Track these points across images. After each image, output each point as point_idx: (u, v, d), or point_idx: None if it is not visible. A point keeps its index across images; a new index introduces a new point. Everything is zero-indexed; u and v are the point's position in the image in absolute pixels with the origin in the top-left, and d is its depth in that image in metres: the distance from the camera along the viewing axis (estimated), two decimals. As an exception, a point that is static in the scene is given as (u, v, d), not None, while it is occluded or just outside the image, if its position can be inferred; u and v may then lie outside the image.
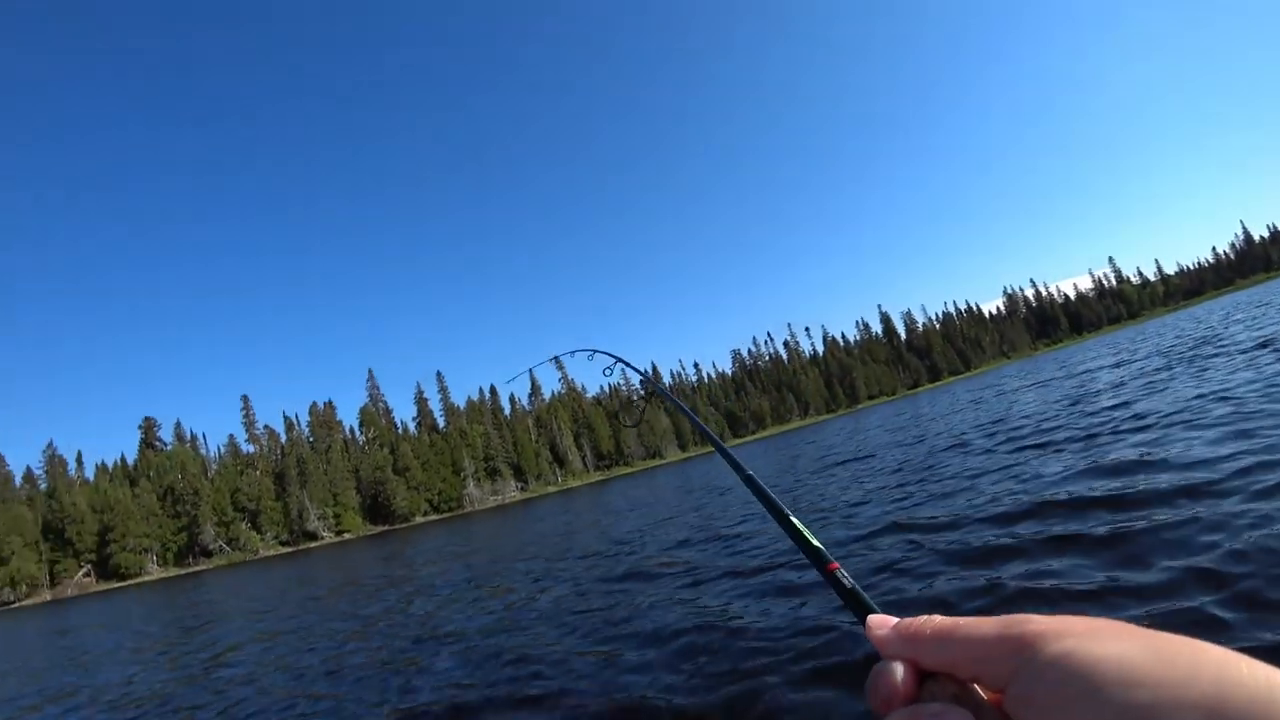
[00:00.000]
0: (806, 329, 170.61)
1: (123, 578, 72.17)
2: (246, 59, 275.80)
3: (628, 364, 1.46)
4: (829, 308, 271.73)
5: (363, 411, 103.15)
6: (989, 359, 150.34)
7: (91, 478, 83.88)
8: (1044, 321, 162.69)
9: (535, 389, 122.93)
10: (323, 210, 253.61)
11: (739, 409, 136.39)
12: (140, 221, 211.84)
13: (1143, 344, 30.52)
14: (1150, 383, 13.23)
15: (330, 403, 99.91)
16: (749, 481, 0.85)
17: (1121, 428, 8.90)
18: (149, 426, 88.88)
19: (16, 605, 65.29)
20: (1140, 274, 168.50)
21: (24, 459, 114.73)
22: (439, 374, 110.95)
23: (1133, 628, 0.38)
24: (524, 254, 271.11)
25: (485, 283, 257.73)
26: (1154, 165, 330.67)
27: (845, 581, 0.57)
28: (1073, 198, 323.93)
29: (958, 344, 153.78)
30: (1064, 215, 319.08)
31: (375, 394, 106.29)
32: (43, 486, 78.58)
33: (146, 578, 72.59)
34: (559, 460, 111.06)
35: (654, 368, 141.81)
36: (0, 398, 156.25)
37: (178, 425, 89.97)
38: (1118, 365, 21.10)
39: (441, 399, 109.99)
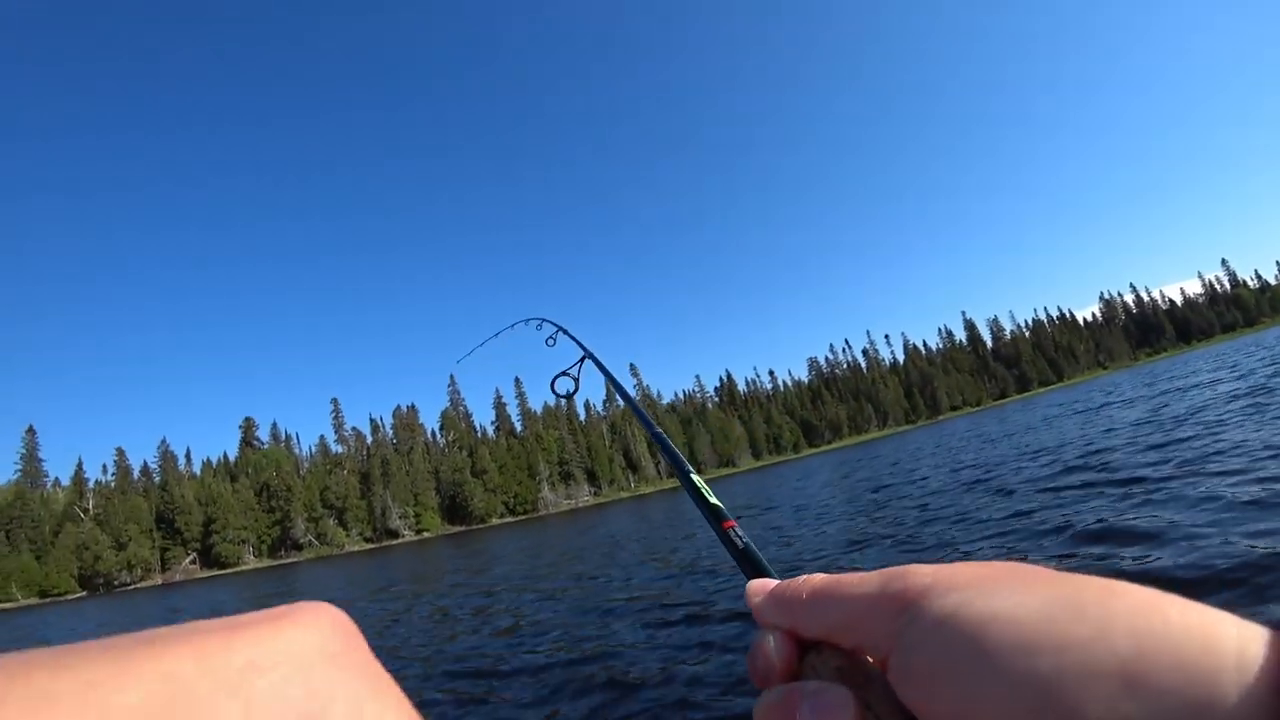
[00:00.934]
0: (886, 336, 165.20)
1: (223, 566, 77.23)
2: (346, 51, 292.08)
3: (567, 332, 1.47)
4: (910, 314, 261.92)
5: (443, 415, 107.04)
6: (1083, 369, 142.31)
7: (199, 473, 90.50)
8: (1146, 329, 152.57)
9: (609, 395, 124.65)
10: (408, 219, 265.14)
11: (815, 418, 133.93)
12: (245, 231, 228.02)
13: (1258, 355, 28.32)
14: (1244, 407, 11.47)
15: (413, 406, 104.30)
16: (658, 439, 0.85)
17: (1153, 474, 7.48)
18: (248, 426, 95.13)
19: (133, 587, 70.83)
20: (1259, 277, 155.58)
21: (141, 454, 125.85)
22: (517, 380, 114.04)
23: (1036, 571, 0.30)
24: (608, 262, 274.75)
25: (570, 290, 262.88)
26: (1276, 156, 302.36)
27: (738, 541, 0.54)
28: (1180, 194, 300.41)
29: (1049, 353, 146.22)
30: (1170, 214, 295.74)
31: (456, 398, 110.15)
32: (157, 480, 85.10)
33: (244, 566, 77.31)
34: (632, 466, 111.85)
35: (624, 373, 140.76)
36: (125, 399, 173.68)
37: (274, 425, 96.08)
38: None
39: (519, 404, 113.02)
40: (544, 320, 1.77)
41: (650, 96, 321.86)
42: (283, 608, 0.24)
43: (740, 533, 0.55)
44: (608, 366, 1.27)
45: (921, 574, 0.32)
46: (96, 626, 21.16)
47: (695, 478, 0.66)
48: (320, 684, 0.22)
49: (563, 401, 1.33)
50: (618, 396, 1.08)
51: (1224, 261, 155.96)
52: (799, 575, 0.40)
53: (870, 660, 0.34)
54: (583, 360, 1.32)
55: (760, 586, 0.42)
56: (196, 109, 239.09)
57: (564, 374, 1.35)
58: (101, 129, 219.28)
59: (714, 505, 0.59)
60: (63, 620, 28.19)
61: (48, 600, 67.27)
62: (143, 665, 0.19)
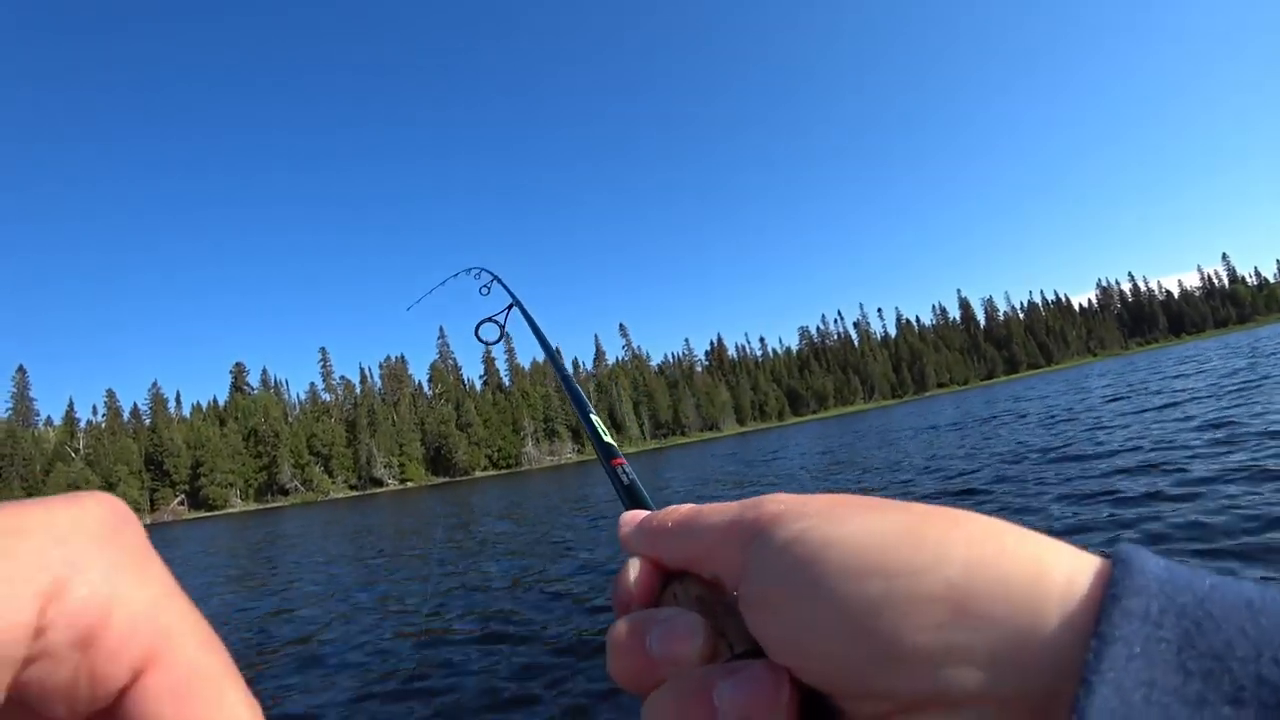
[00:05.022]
0: (879, 309, 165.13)
1: (211, 508, 79.81)
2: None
3: (500, 281, 1.54)
4: (904, 289, 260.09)
5: (432, 368, 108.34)
6: (1073, 355, 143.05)
7: (188, 416, 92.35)
8: (1139, 319, 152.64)
9: (599, 355, 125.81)
10: (400, 173, 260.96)
11: (802, 387, 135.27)
12: (239, 179, 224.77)
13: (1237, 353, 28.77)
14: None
15: (402, 357, 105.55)
16: (565, 380, 0.88)
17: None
18: (239, 371, 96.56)
19: (121, 526, 73.54)
20: (1258, 274, 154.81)
21: (132, 396, 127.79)
22: (507, 335, 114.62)
23: (891, 503, 0.30)
24: (594, 219, 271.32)
25: (554, 248, 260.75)
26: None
27: (624, 477, 0.55)
28: (1187, 184, 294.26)
29: (1040, 336, 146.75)
30: (1175, 204, 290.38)
31: (445, 351, 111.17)
32: (147, 422, 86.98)
33: (231, 509, 79.91)
34: (616, 426, 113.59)
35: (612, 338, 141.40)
36: (116, 341, 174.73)
37: (265, 371, 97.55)
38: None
39: (508, 359, 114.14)
40: (481, 269, 1.77)
41: (641, 49, 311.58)
42: (69, 494, 0.25)
43: (628, 470, 0.57)
44: (537, 320, 1.26)
45: (775, 501, 0.32)
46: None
47: (594, 417, 0.68)
48: (79, 554, 0.23)
49: (486, 348, 1.35)
50: (539, 341, 1.19)
51: (1224, 256, 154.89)
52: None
53: (728, 590, 0.34)
54: (510, 308, 1.33)
55: (631, 517, 0.42)
56: (185, 48, 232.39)
57: (489, 320, 1.38)
58: (91, 73, 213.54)
59: (607, 443, 0.62)
60: None
61: (39, 536, 69.75)
62: None
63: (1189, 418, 10.30)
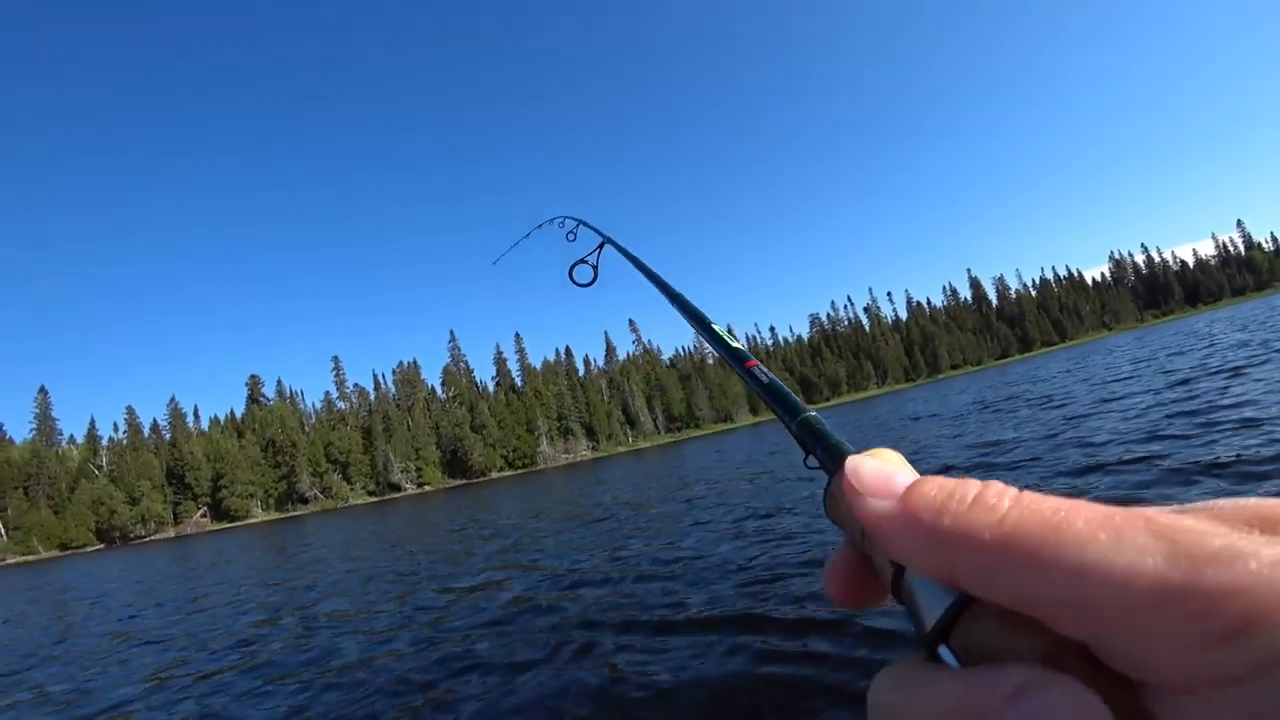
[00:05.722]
0: (889, 294, 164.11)
1: (232, 519, 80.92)
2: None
3: (586, 223, 1.51)
4: (915, 271, 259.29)
5: (445, 371, 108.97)
6: (1088, 330, 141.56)
7: (207, 429, 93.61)
8: (1154, 290, 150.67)
9: (610, 350, 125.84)
10: (398, 176, 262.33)
11: (814, 374, 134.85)
12: (249, 198, 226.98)
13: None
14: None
15: (415, 362, 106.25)
16: (676, 300, 0.83)
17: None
18: (254, 384, 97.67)
19: (147, 539, 74.66)
20: (1275, 239, 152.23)
21: (151, 412, 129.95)
22: (517, 335, 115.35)
23: None
24: (596, 217, 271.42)
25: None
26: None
27: (763, 377, 0.51)
28: (1198, 152, 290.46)
29: (1054, 313, 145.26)
30: (1188, 172, 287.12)
31: (457, 354, 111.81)
32: (167, 437, 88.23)
33: (253, 519, 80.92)
34: (630, 421, 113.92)
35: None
36: (134, 359, 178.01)
37: (279, 383, 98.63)
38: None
39: (519, 360, 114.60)
40: (565, 217, 1.74)
41: (651, 48, 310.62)
42: None
43: (765, 369, 0.53)
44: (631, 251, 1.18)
45: (1257, 574, 0.18)
46: (120, 572, 23.17)
47: (716, 327, 0.66)
48: None
49: (585, 289, 1.32)
50: (639, 269, 1.09)
51: (1239, 223, 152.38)
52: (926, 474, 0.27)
53: (1115, 665, 0.21)
54: (601, 246, 1.28)
55: (877, 477, 0.27)
56: (189, 58, 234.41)
57: (582, 261, 1.31)
58: (103, 92, 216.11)
59: (735, 349, 0.59)
60: (84, 570, 29.82)
61: (68, 552, 71.30)
62: None
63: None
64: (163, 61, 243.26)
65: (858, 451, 0.31)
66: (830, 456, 0.35)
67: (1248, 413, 6.98)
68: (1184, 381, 11.17)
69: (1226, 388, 9.15)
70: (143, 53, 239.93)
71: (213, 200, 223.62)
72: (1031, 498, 0.23)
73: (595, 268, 1.30)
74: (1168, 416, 8.05)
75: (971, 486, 0.24)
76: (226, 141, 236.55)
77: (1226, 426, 6.55)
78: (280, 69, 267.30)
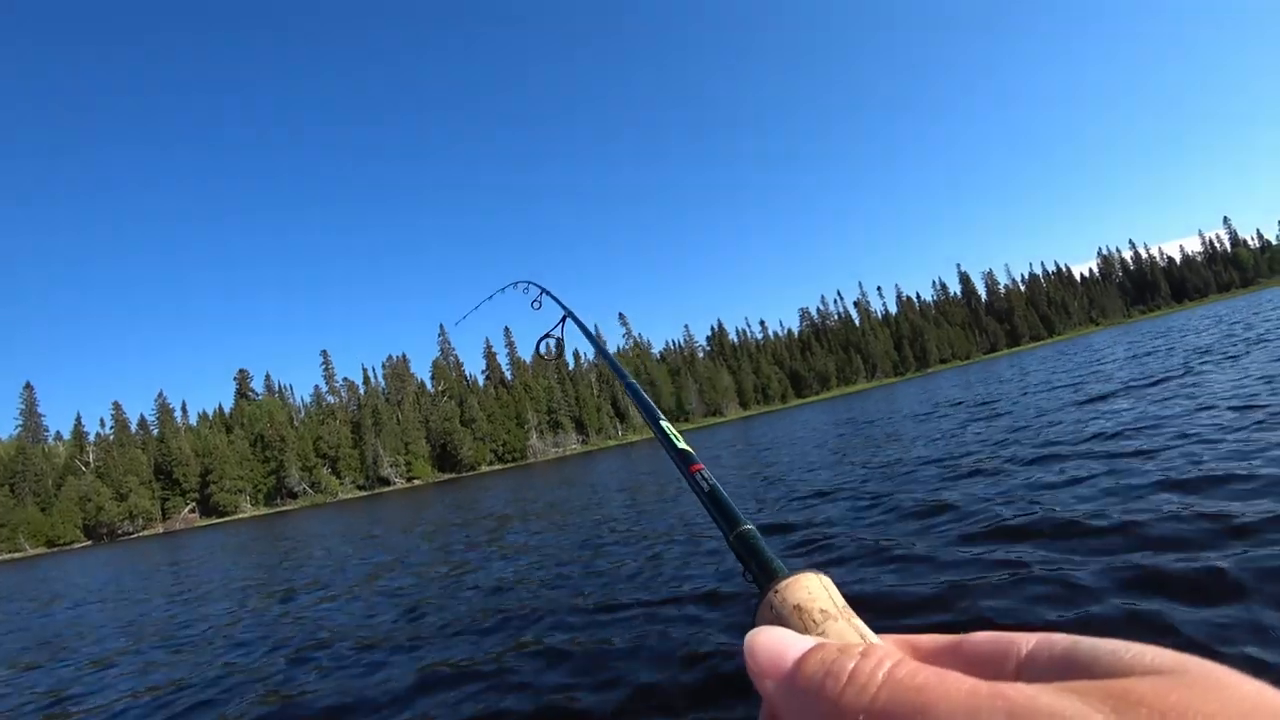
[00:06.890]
0: (879, 288, 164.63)
1: (221, 515, 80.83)
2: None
3: (550, 294, 1.54)
4: (904, 266, 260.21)
5: (434, 365, 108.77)
6: (1075, 325, 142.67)
7: (195, 424, 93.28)
8: (1141, 286, 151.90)
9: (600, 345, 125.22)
10: (393, 172, 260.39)
11: (804, 369, 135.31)
12: (235, 191, 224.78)
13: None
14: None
15: (404, 356, 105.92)
16: (631, 389, 0.89)
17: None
18: (243, 378, 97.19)
19: (135, 536, 74.60)
20: (1260, 236, 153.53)
21: (139, 407, 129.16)
22: (507, 329, 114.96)
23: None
24: (602, 208, 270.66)
25: (562, 236, 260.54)
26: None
27: (704, 484, 0.54)
28: (1186, 150, 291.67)
29: (1042, 308, 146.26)
30: (1175, 169, 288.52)
31: (446, 348, 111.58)
32: (154, 432, 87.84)
33: (242, 515, 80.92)
34: (619, 415, 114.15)
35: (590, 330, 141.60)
36: (120, 353, 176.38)
37: (268, 377, 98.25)
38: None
39: (509, 353, 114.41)
40: (530, 283, 1.76)
41: (630, 42, 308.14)
42: None
43: (707, 475, 0.55)
44: (586, 323, 1.29)
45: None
46: (105, 569, 23.16)
47: (664, 424, 0.68)
48: None
49: (551, 363, 1.36)
50: (596, 350, 1.25)
51: (1226, 220, 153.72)
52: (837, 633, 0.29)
53: None
54: (564, 320, 1.34)
55: (770, 649, 0.28)
56: (178, 57, 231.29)
57: (547, 335, 1.38)
58: (88, 79, 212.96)
59: (682, 450, 0.61)
60: (70, 568, 29.80)
61: (55, 549, 71.13)
62: None
63: None
64: (145, 53, 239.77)
65: (788, 574, 0.31)
66: (764, 574, 0.37)
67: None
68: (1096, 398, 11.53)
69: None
70: (124, 44, 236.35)
71: (199, 193, 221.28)
72: (905, 671, 0.23)
73: (560, 340, 1.35)
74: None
75: (849, 659, 0.25)
76: (215, 134, 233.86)
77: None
78: (267, 59, 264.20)
